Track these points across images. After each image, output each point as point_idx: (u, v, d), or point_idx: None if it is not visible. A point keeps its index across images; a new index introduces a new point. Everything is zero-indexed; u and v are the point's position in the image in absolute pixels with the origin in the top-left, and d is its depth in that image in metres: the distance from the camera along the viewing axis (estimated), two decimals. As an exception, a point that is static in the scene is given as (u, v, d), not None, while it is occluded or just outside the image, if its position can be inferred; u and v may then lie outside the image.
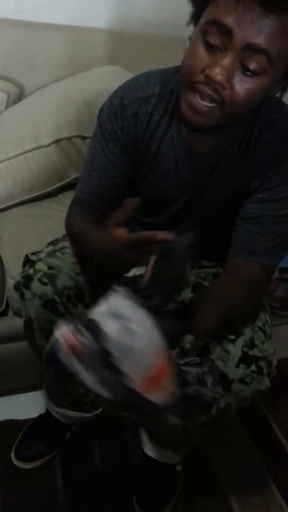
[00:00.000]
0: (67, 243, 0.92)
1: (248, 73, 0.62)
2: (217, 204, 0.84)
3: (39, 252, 0.92)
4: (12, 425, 1.19)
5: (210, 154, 0.80)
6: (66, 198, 1.31)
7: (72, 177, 1.29)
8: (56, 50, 1.45)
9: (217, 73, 0.61)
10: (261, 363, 0.80)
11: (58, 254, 0.91)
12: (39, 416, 1.19)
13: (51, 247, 0.92)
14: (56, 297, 0.87)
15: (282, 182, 0.75)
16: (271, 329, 0.90)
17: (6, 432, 1.17)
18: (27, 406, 1.25)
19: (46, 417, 1.16)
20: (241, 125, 0.76)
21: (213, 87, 0.63)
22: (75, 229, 0.86)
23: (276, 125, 0.75)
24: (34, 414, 1.20)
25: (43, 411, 1.18)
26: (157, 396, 0.58)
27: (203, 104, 0.65)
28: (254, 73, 0.62)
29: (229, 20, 0.59)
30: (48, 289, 0.87)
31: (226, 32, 0.60)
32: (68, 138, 1.24)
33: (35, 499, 1.06)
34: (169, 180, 0.84)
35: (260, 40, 0.59)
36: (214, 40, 0.61)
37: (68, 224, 0.90)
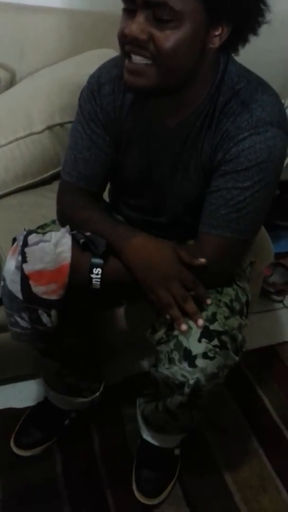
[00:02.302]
0: (55, 227, 0.92)
1: (161, 23, 0.66)
2: (192, 182, 0.84)
3: (37, 233, 0.91)
4: (11, 414, 1.20)
5: (179, 128, 0.81)
6: (60, 186, 1.29)
7: (66, 164, 1.28)
8: (47, 33, 1.42)
9: (132, 29, 0.67)
10: (224, 338, 0.80)
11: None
12: (38, 404, 1.19)
13: (40, 231, 0.91)
14: None
15: (242, 154, 0.75)
16: (244, 306, 0.89)
17: (5, 421, 1.18)
18: (25, 394, 1.25)
19: (44, 404, 1.17)
20: (201, 91, 0.77)
21: (136, 43, 0.68)
22: (83, 216, 0.86)
23: (239, 95, 0.76)
24: (32, 402, 1.21)
25: (41, 399, 1.19)
26: (40, 289, 0.78)
27: (135, 63, 0.70)
28: (166, 21, 0.66)
29: None
30: None
31: None
32: (61, 124, 1.22)
33: (34, 487, 1.07)
34: (145, 158, 0.86)
35: None
36: (126, 4, 0.69)
37: (63, 205, 0.90)
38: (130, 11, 0.69)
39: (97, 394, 1.15)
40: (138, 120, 0.84)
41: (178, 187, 0.87)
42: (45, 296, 0.78)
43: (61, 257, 0.78)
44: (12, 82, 1.40)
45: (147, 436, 1.08)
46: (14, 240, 0.82)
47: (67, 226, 0.83)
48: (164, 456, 1.10)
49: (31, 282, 0.77)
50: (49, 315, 0.81)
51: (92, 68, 1.30)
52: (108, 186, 0.99)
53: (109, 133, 0.86)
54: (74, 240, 0.81)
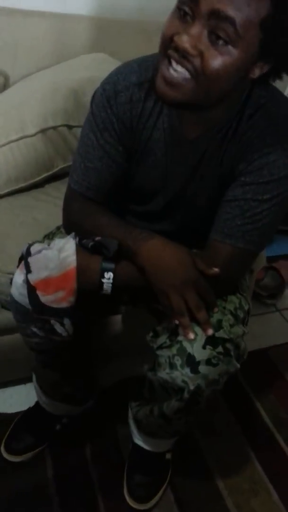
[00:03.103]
0: (63, 235, 0.91)
1: (217, 41, 0.63)
2: (207, 192, 0.84)
3: (40, 243, 0.90)
4: (1, 419, 1.18)
5: (199, 141, 0.79)
6: (53, 189, 1.29)
7: (59, 167, 1.28)
8: (40, 38, 1.42)
9: (184, 41, 0.63)
10: (228, 345, 0.80)
11: None
12: (29, 409, 1.18)
13: (47, 242, 0.89)
14: None
15: (265, 166, 0.75)
16: (246, 314, 0.90)
17: (-5, 426, 1.17)
18: (15, 399, 1.24)
19: (35, 409, 1.16)
20: (227, 111, 0.76)
21: (182, 54, 0.64)
22: (94, 223, 0.83)
23: (265, 108, 0.75)
24: (23, 407, 1.20)
25: (32, 403, 1.18)
26: (48, 298, 0.76)
27: (174, 73, 0.66)
28: (222, 42, 0.63)
29: None
30: None
31: None
32: (54, 128, 1.22)
33: (25, 493, 1.06)
34: (160, 167, 0.84)
35: (223, 6, 0.61)
36: (185, 7, 0.64)
37: (76, 220, 0.87)
38: (185, 13, 0.64)
39: (91, 401, 1.15)
40: (156, 129, 0.81)
41: (191, 197, 0.86)
42: (54, 305, 0.77)
43: (66, 262, 0.76)
44: (5, 86, 1.40)
45: (138, 440, 1.08)
46: (22, 257, 0.81)
47: (72, 233, 0.82)
48: (155, 461, 1.10)
49: (38, 292, 0.76)
50: (62, 324, 0.80)
51: (85, 72, 1.31)
52: None
53: (123, 143, 0.82)
54: (82, 244, 0.79)
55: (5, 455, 1.11)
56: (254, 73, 0.70)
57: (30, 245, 0.79)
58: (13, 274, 0.82)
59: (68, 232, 0.87)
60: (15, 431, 1.15)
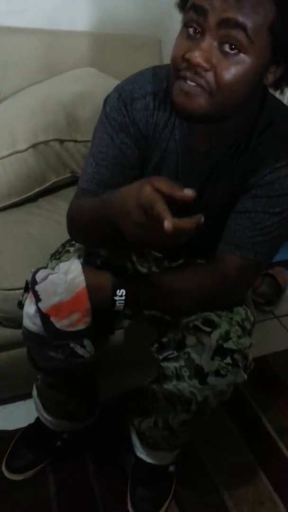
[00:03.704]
0: (70, 255, 0.89)
1: (228, 51, 0.63)
2: (217, 203, 0.84)
3: (44, 268, 0.88)
4: (1, 436, 1.17)
5: (210, 153, 0.80)
6: (46, 203, 1.29)
7: (51, 182, 1.28)
8: (29, 54, 1.43)
9: (196, 56, 0.63)
10: (236, 356, 0.80)
11: None
12: (29, 426, 1.17)
13: (55, 262, 0.89)
14: None
15: (277, 181, 0.76)
16: (252, 326, 0.90)
17: (-5, 444, 1.15)
18: (15, 416, 1.23)
19: (36, 426, 1.15)
20: (240, 124, 0.76)
21: (195, 70, 0.64)
22: (83, 204, 0.79)
23: (276, 124, 0.76)
24: (23, 424, 1.18)
25: (32, 420, 1.17)
26: (63, 323, 0.75)
27: (190, 84, 0.66)
28: (233, 50, 0.62)
29: (202, 1, 0.62)
30: None
31: (201, 12, 0.63)
32: (45, 142, 1.22)
33: (28, 511, 1.04)
34: (174, 177, 0.84)
35: (232, 14, 0.61)
36: (193, 24, 0.64)
37: (72, 212, 0.83)
38: (194, 31, 0.64)
39: (93, 417, 1.14)
40: (172, 140, 0.81)
41: (200, 209, 0.86)
42: (71, 329, 0.76)
43: (74, 284, 0.75)
44: (-5, 102, 1.41)
45: (141, 453, 1.06)
46: (27, 283, 0.80)
47: (76, 254, 0.81)
48: (159, 474, 1.09)
49: (52, 319, 0.75)
50: (82, 346, 0.79)
51: (74, 87, 1.32)
52: None
53: (138, 147, 0.81)
54: (88, 263, 0.78)
55: (6, 474, 1.10)
56: (267, 79, 0.70)
57: (35, 273, 0.78)
58: (7, 289, 0.81)
59: (71, 233, 0.85)
60: (15, 449, 1.13)
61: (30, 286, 0.77)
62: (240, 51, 0.63)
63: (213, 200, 0.84)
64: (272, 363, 1.46)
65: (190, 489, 1.11)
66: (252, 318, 0.91)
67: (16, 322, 1.05)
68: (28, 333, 0.81)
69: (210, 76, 0.64)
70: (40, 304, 0.75)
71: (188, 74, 0.65)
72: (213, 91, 0.65)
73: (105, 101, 0.82)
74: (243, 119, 0.76)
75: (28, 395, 1.16)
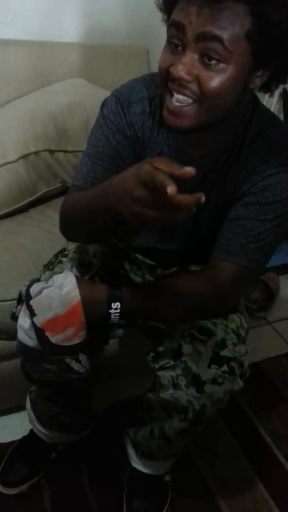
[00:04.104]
0: (63, 265, 0.89)
1: (208, 62, 0.65)
2: (210, 211, 0.85)
3: (38, 279, 0.88)
4: (-5, 450, 1.16)
5: (203, 160, 0.81)
6: (38, 213, 1.29)
7: (42, 192, 1.28)
8: (18, 65, 1.44)
9: (178, 70, 0.66)
10: (232, 364, 0.81)
11: None
12: (23, 438, 1.16)
13: (48, 273, 0.88)
14: None
15: (268, 188, 0.77)
16: (246, 333, 0.91)
17: (-12, 458, 1.14)
18: (9, 428, 1.22)
19: (30, 438, 1.14)
20: (230, 131, 0.78)
21: (179, 83, 0.67)
22: (79, 197, 0.77)
23: (267, 134, 0.78)
24: (17, 436, 1.17)
25: (26, 432, 1.15)
26: (59, 337, 0.74)
27: (177, 103, 0.69)
28: (213, 61, 0.65)
29: (180, 17, 0.65)
30: None
31: (180, 28, 0.65)
32: (36, 153, 1.23)
33: (22, 525, 1.03)
34: None
35: (208, 28, 0.63)
36: (174, 39, 0.67)
37: (65, 207, 0.82)
38: (176, 46, 0.67)
39: (88, 428, 1.13)
40: (166, 145, 0.83)
41: (194, 216, 0.87)
42: (66, 343, 0.75)
43: (70, 298, 0.75)
44: (-15, 114, 1.41)
45: (136, 464, 1.06)
46: (21, 294, 0.80)
47: (69, 265, 0.80)
48: (155, 484, 1.08)
49: (47, 334, 0.74)
50: (78, 361, 0.79)
51: (64, 98, 1.32)
52: None
53: (134, 149, 0.83)
54: (81, 273, 0.78)
55: (0, 488, 1.08)
56: (254, 83, 0.71)
57: (28, 286, 0.77)
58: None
59: (64, 232, 0.84)
60: (10, 463, 1.12)
61: (24, 300, 0.76)
62: (219, 61, 0.65)
63: (205, 208, 0.85)
64: (266, 369, 1.46)
65: (186, 498, 1.11)
66: (246, 325, 0.91)
67: (8, 334, 1.04)
68: (22, 347, 0.80)
69: (194, 86, 0.67)
70: (35, 319, 0.74)
71: (174, 87, 0.68)
72: (199, 99, 0.68)
73: (103, 104, 0.84)
74: (234, 127, 0.78)
75: (22, 407, 1.15)
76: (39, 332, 0.74)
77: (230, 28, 0.63)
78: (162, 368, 0.86)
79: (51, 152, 1.25)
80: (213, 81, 0.66)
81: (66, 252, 0.92)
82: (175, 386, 0.82)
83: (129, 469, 1.09)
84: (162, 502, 1.08)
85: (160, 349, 0.88)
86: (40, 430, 1.08)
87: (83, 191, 0.79)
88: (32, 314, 0.74)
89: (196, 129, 0.72)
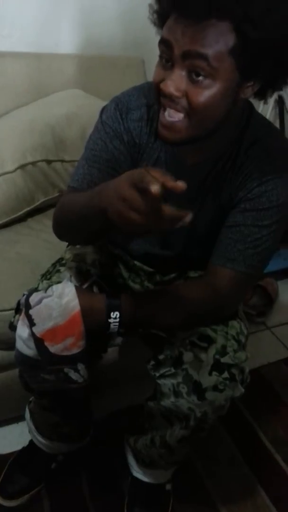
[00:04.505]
0: (61, 274, 0.89)
1: (195, 78, 0.67)
2: (206, 218, 0.86)
3: (36, 288, 0.88)
4: (-5, 461, 1.15)
5: (198, 167, 0.82)
6: (36, 222, 1.30)
7: (40, 201, 1.29)
8: (16, 77, 1.45)
9: (168, 86, 0.68)
10: (233, 370, 0.81)
11: None
12: (22, 449, 1.15)
13: (46, 282, 0.88)
14: None
15: (264, 194, 0.78)
16: (246, 339, 0.91)
17: (-12, 469, 1.13)
18: (9, 439, 1.21)
19: (29, 449, 1.13)
20: (223, 140, 0.79)
21: (169, 98, 0.69)
22: (74, 198, 0.78)
23: (263, 141, 0.79)
24: (17, 447, 1.16)
25: (26, 443, 1.15)
26: (58, 347, 0.74)
27: (169, 117, 0.71)
28: (200, 77, 0.67)
29: (167, 35, 0.68)
30: None
31: (168, 45, 0.68)
32: (33, 163, 1.24)
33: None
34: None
35: (193, 46, 0.65)
36: (164, 55, 0.70)
37: (60, 208, 0.83)
38: (166, 60, 0.70)
39: (87, 438, 1.13)
40: (163, 152, 0.84)
41: (191, 223, 0.87)
42: (65, 353, 0.75)
43: (69, 308, 0.75)
44: (-17, 125, 1.42)
45: (137, 473, 1.05)
46: (19, 304, 0.80)
47: (68, 275, 0.81)
48: (156, 493, 1.07)
49: (46, 344, 0.74)
50: (76, 370, 0.79)
51: (61, 108, 1.34)
52: None
53: (131, 155, 0.84)
54: (79, 282, 0.78)
55: (0, 500, 1.07)
56: (245, 93, 0.73)
57: (27, 296, 0.77)
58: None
59: (57, 233, 0.85)
60: (9, 474, 1.11)
61: (23, 310, 0.77)
62: (206, 77, 0.67)
63: (203, 215, 0.86)
64: (266, 374, 1.46)
65: (187, 505, 1.10)
66: (246, 332, 0.92)
67: (6, 344, 1.04)
68: (21, 357, 0.80)
69: (184, 102, 0.69)
70: (34, 329, 0.74)
71: (165, 102, 0.71)
72: (189, 113, 0.70)
73: (102, 110, 0.86)
74: (229, 134, 0.79)
75: (21, 417, 1.14)
76: (38, 341, 0.74)
77: (214, 46, 0.65)
78: (162, 376, 0.86)
79: (49, 162, 1.26)
80: (201, 96, 0.68)
81: (63, 261, 0.93)
82: (176, 394, 0.82)
83: (129, 478, 1.08)
84: (163, 511, 1.07)
85: (161, 357, 0.88)
86: (40, 440, 1.08)
87: (79, 192, 0.80)
88: (31, 323, 0.75)
89: (188, 141, 0.74)
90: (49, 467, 1.12)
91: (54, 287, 0.79)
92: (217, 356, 0.81)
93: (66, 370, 0.79)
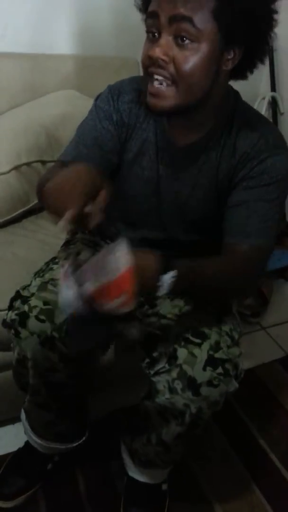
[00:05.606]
0: (54, 272, 0.89)
1: (181, 43, 0.72)
2: (199, 197, 0.87)
3: (28, 285, 0.89)
4: (-10, 462, 1.15)
5: (191, 149, 0.85)
6: (31, 223, 1.30)
7: (35, 202, 1.29)
8: (11, 78, 1.45)
9: (156, 51, 0.73)
10: (227, 365, 0.82)
11: (50, 286, 0.88)
12: (18, 450, 1.15)
13: (39, 279, 0.89)
14: (55, 334, 0.85)
15: (265, 171, 0.81)
16: (240, 336, 0.91)
17: (-16, 470, 1.13)
18: (4, 440, 1.21)
19: (25, 450, 1.13)
20: (214, 118, 0.82)
21: (158, 64, 0.74)
22: (52, 170, 0.83)
23: (253, 122, 0.84)
24: (13, 448, 1.16)
25: (21, 444, 1.15)
26: (111, 305, 0.67)
27: (157, 84, 0.75)
28: (186, 41, 0.71)
29: (153, 7, 0.74)
30: (47, 326, 0.84)
31: (154, 16, 0.73)
32: (28, 164, 1.24)
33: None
34: (155, 169, 0.88)
35: (178, 10, 0.71)
36: (152, 28, 0.75)
37: (43, 177, 0.84)
38: (153, 35, 0.75)
39: (83, 438, 1.12)
40: (152, 133, 0.87)
41: (184, 203, 0.90)
42: (121, 309, 0.67)
43: (121, 262, 0.67)
44: (-23, 125, 1.42)
45: (133, 473, 1.05)
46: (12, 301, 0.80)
47: (124, 238, 0.72)
48: (152, 492, 1.07)
49: (100, 301, 0.67)
50: (134, 326, 0.82)
51: (55, 109, 1.34)
52: None
53: (119, 135, 0.88)
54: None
55: (-4, 501, 1.08)
56: (226, 65, 0.77)
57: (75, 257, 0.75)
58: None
59: (39, 199, 0.85)
60: (5, 475, 1.11)
61: (68, 271, 0.69)
62: (192, 40, 0.72)
63: (197, 197, 0.87)
64: (261, 374, 1.46)
65: (182, 504, 1.10)
66: (238, 328, 0.92)
67: (2, 344, 1.04)
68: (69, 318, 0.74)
69: (171, 67, 0.73)
70: (84, 287, 0.67)
71: (153, 69, 0.75)
72: (176, 79, 0.74)
73: (97, 97, 0.91)
74: (217, 113, 0.82)
75: (17, 419, 1.14)
76: (89, 300, 0.67)
77: (198, 9, 0.70)
78: (157, 373, 0.87)
79: (43, 162, 1.26)
80: (188, 61, 0.72)
81: (57, 260, 0.93)
82: (171, 390, 0.83)
83: (126, 478, 1.08)
84: (159, 510, 1.08)
85: (155, 354, 0.89)
86: (35, 440, 1.08)
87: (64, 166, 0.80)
88: (80, 282, 0.67)
89: (177, 111, 0.77)
90: (45, 468, 1.12)
91: (105, 246, 0.80)
92: (211, 352, 0.82)
93: (120, 326, 0.81)
